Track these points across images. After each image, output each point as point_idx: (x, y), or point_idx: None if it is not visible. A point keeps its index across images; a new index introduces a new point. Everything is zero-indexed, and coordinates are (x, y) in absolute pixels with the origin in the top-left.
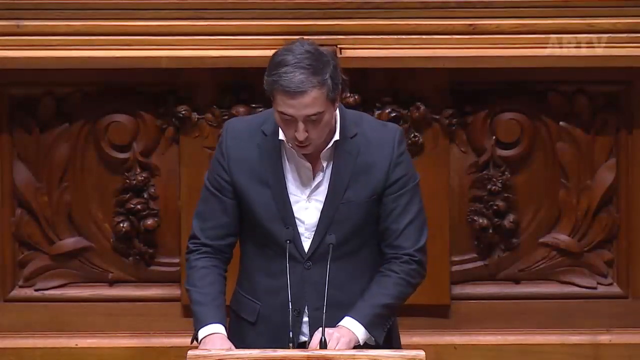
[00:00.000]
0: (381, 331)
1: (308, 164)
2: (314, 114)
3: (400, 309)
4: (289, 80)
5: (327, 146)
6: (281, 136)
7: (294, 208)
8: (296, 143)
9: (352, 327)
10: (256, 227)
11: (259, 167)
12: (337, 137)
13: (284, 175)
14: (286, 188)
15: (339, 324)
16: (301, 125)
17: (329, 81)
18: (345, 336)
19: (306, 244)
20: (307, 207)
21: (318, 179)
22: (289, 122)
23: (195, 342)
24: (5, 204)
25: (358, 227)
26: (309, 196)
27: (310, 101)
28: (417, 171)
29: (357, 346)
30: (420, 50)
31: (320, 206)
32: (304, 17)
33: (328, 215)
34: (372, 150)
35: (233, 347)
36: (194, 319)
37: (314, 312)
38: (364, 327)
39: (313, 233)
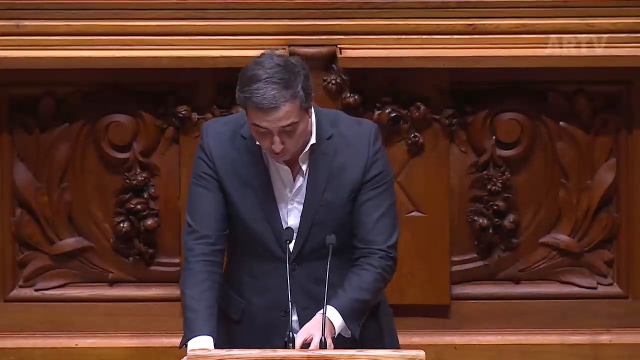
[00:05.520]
0: (357, 325)
1: (287, 167)
2: (289, 125)
3: (400, 309)
4: (262, 97)
5: (304, 150)
6: None
7: (279, 210)
8: (272, 154)
9: (331, 316)
10: (241, 227)
11: (243, 169)
12: (313, 140)
13: (269, 177)
14: (272, 190)
15: (320, 311)
16: (277, 138)
17: (301, 92)
18: (327, 337)
19: (290, 245)
20: (289, 209)
21: (299, 181)
22: (264, 134)
23: (185, 347)
24: (5, 204)
25: (340, 227)
26: (290, 199)
27: (283, 115)
28: (391, 167)
29: (332, 338)
30: (420, 50)
31: (302, 208)
32: (304, 17)
33: (308, 217)
34: (348, 150)
35: None
36: (184, 325)
37: (302, 311)
38: (342, 317)
39: (296, 235)
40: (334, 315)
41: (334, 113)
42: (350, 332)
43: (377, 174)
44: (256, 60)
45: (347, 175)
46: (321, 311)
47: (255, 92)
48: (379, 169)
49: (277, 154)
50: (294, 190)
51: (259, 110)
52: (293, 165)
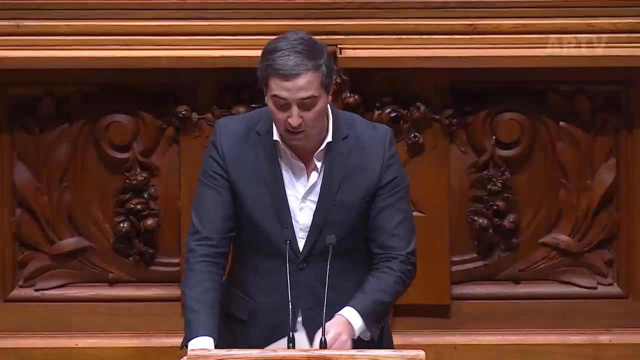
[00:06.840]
0: (376, 328)
1: (301, 164)
2: (308, 97)
3: (400, 309)
4: (284, 63)
5: (320, 147)
6: (275, 136)
7: (290, 208)
8: (289, 129)
9: (350, 318)
10: (251, 226)
11: (256, 166)
12: (329, 138)
13: (281, 175)
14: (284, 188)
15: (339, 312)
16: (295, 109)
17: (324, 67)
18: (344, 333)
19: (301, 244)
20: (302, 208)
21: (312, 180)
22: (283, 106)
23: (185, 347)
24: (5, 204)
25: (351, 229)
26: (303, 197)
27: (304, 84)
28: (406, 173)
29: (352, 340)
30: (420, 50)
31: (314, 207)
32: (304, 17)
33: (321, 216)
34: (363, 152)
35: None
36: (185, 326)
37: (307, 312)
38: (363, 320)
39: (307, 234)
40: (353, 317)
41: (350, 115)
42: (369, 335)
43: (393, 179)
44: (280, 36)
45: (362, 177)
46: (340, 312)
47: (279, 59)
48: (394, 173)
49: (294, 129)
50: (307, 188)
51: (279, 77)
52: (308, 162)
